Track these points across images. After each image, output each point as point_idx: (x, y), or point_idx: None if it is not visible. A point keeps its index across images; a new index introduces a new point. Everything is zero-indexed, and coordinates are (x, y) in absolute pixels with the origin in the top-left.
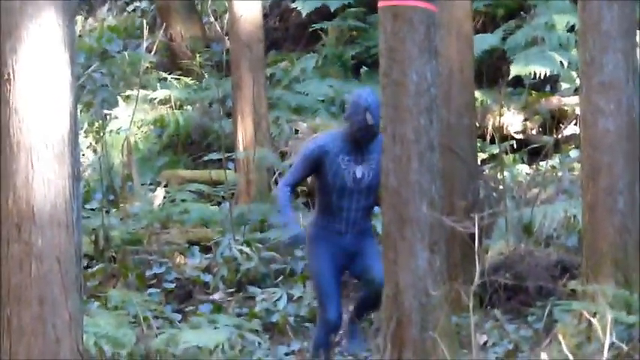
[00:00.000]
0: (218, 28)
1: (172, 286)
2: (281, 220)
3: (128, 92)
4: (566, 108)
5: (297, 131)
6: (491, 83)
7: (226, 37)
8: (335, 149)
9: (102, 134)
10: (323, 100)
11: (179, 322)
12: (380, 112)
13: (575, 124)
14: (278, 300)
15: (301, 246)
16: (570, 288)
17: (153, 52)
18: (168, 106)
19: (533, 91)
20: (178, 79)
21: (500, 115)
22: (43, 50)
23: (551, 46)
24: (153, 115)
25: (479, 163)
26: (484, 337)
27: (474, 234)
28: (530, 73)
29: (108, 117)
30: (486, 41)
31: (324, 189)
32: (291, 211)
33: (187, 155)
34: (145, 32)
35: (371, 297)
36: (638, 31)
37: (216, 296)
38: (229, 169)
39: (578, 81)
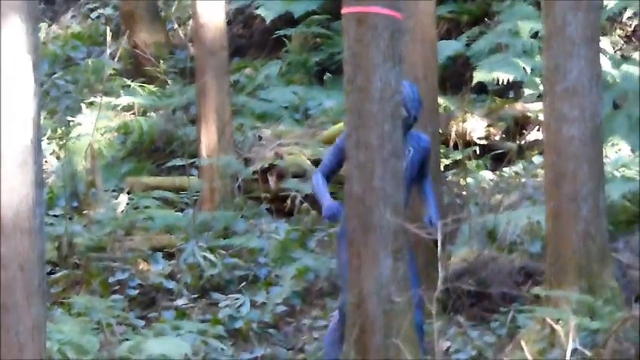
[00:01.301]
0: (182, 35)
1: (136, 292)
2: (320, 201)
3: (92, 99)
4: (529, 114)
5: (260, 138)
6: (455, 89)
7: (190, 44)
8: None
9: (65, 141)
10: (287, 107)
11: (142, 328)
12: (417, 102)
13: (539, 131)
14: (241, 306)
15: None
16: (534, 294)
17: (117, 59)
18: (132, 112)
19: (497, 98)
20: (142, 85)
21: (464, 121)
22: (7, 57)
23: (515, 52)
24: (117, 122)
25: (442, 169)
26: (447, 343)
27: (438, 240)
28: (493, 80)
29: (71, 124)
30: (450, 47)
31: None
32: (325, 191)
33: (151, 162)
34: (109, 39)
35: None
36: (602, 37)
37: (179, 302)
38: (193, 175)
39: (541, 87)
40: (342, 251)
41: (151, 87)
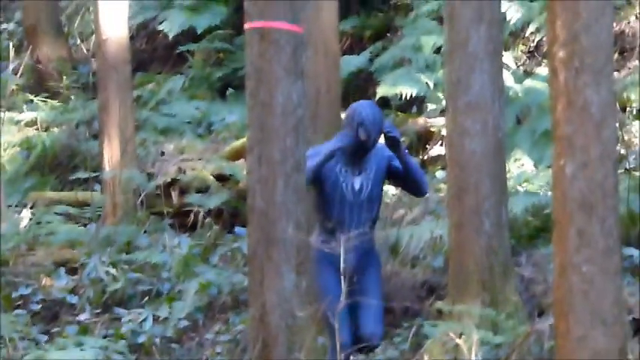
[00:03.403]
0: (85, 50)
1: (39, 307)
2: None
3: None
4: (432, 129)
5: (163, 153)
6: None
7: (93, 59)
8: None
9: None
10: (190, 122)
11: (45, 343)
12: (378, 125)
13: (442, 145)
14: (144, 321)
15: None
16: (437, 308)
17: (19, 74)
18: (34, 127)
19: (400, 112)
20: (45, 101)
21: None
22: None
23: (418, 67)
24: (19, 137)
25: None
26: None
27: (341, 255)
28: (397, 94)
29: None
30: (353, 62)
31: (325, 202)
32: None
33: (54, 177)
34: (12, 54)
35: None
36: (504, 52)
37: (82, 317)
38: (96, 190)
39: (444, 102)
40: (320, 271)
41: (54, 102)
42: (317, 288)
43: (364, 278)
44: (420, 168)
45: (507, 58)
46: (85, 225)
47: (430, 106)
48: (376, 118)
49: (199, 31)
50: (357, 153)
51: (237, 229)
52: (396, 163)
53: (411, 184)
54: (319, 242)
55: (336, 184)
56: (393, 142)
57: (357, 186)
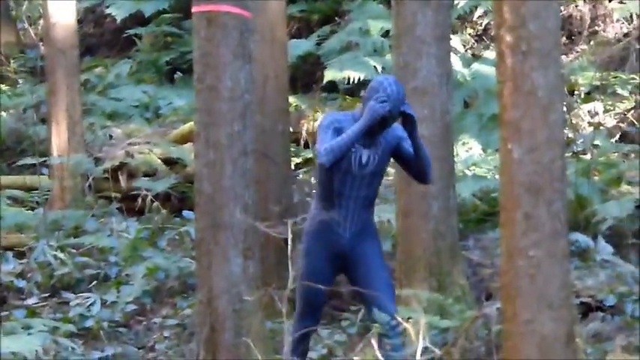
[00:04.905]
0: (33, 34)
1: None
2: (360, 125)
3: None
4: None
5: (111, 137)
6: (305, 88)
7: (41, 43)
8: (347, 129)
9: None
10: (137, 106)
11: None
12: (401, 103)
13: None
14: (92, 305)
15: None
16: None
17: None
18: None
19: (348, 96)
20: None
21: (315, 120)
22: None
23: (366, 51)
24: None
25: (293, 168)
26: None
27: (288, 239)
28: (344, 78)
29: None
30: (301, 47)
31: (328, 172)
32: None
33: (2, 161)
34: None
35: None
36: (452, 36)
37: (30, 301)
38: (44, 174)
39: None
40: (306, 254)
41: (2, 86)
42: (303, 266)
43: (364, 251)
44: (429, 156)
45: (455, 42)
46: (32, 209)
47: None
48: (400, 96)
49: (147, 15)
50: (374, 128)
51: (185, 212)
52: (407, 145)
53: (418, 169)
54: (316, 212)
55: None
56: (409, 121)
57: (364, 159)
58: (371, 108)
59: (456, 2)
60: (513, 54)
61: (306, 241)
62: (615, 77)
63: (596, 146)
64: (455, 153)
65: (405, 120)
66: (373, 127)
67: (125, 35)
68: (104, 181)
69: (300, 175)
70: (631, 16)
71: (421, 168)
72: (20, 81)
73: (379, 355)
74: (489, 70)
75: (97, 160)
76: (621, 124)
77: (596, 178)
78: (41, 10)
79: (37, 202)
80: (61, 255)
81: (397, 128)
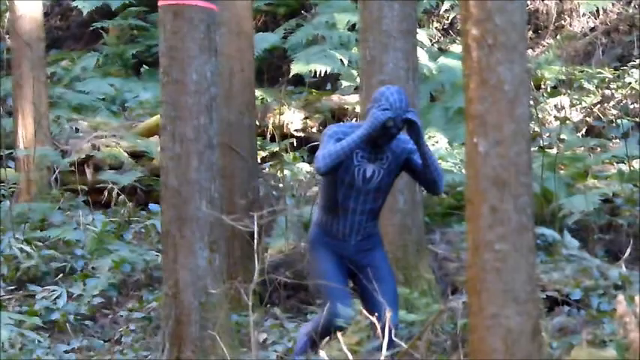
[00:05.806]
0: None
1: None
2: (360, 133)
3: None
4: (346, 106)
5: (77, 130)
6: (272, 82)
7: (7, 36)
8: None
9: None
10: (104, 99)
11: None
12: (404, 112)
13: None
14: (58, 298)
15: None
16: (351, 287)
17: None
18: None
19: (314, 90)
20: None
21: (281, 113)
22: None
23: (332, 44)
24: None
25: (259, 161)
26: (264, 335)
27: (254, 232)
28: (310, 72)
29: None
30: (267, 40)
31: (331, 185)
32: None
33: None
34: None
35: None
36: (419, 30)
37: None
38: (10, 167)
39: (358, 79)
40: (316, 257)
41: None
42: (315, 273)
43: (371, 260)
44: (439, 165)
45: (422, 35)
46: None
47: (344, 84)
48: (403, 105)
49: (113, 8)
50: (379, 139)
51: (151, 205)
52: (417, 157)
53: (427, 179)
54: (320, 225)
55: (349, 168)
56: (412, 127)
57: (368, 173)
58: (372, 115)
59: None
60: (479, 47)
61: (311, 250)
62: (581, 71)
63: (562, 140)
64: None
65: (410, 128)
66: (374, 134)
67: (91, 28)
68: (70, 174)
69: (267, 169)
70: (597, 11)
71: (430, 177)
72: None
73: (345, 349)
74: (455, 64)
75: (64, 153)
76: (587, 119)
77: (562, 172)
78: (7, 3)
79: (3, 195)
80: (27, 248)
81: (407, 141)
